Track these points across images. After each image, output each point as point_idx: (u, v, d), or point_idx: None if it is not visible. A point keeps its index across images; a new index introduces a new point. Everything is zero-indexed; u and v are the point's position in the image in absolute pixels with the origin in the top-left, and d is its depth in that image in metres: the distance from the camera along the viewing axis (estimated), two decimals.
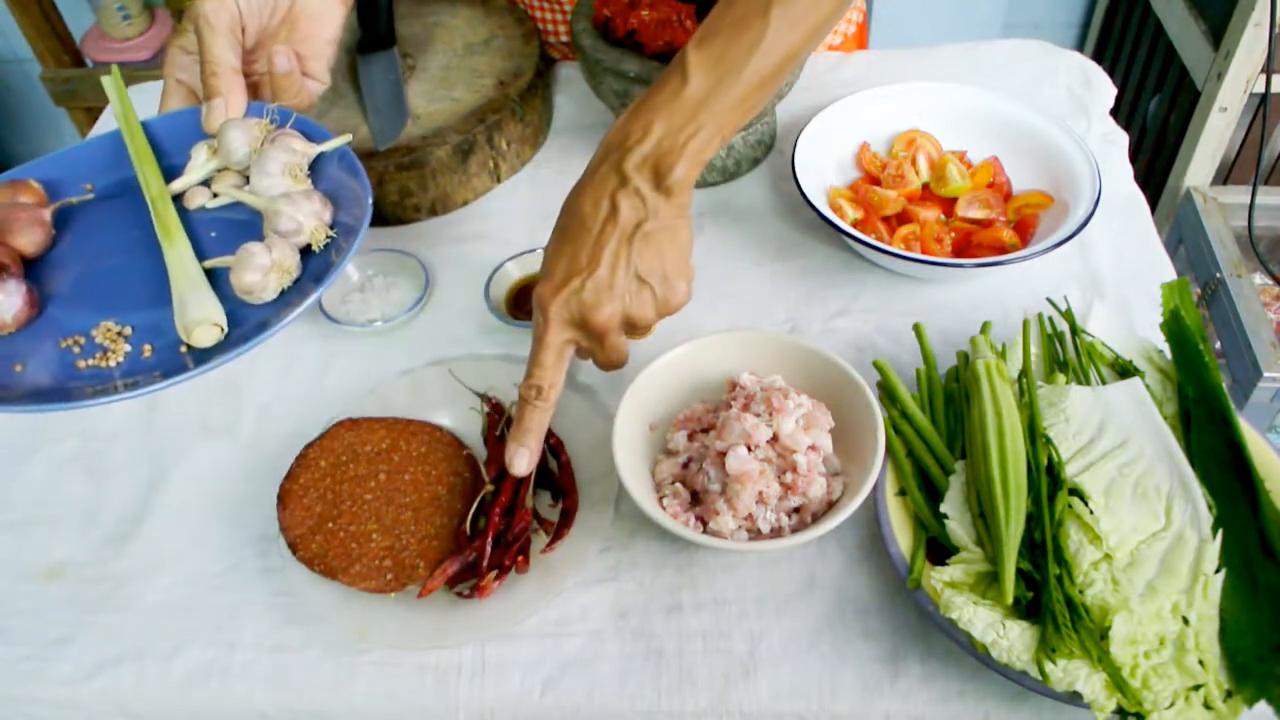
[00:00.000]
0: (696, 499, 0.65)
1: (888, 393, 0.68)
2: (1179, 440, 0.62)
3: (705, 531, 0.63)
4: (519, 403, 0.63)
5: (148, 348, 0.60)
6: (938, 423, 0.67)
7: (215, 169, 0.67)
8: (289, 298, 0.61)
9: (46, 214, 0.64)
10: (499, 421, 0.71)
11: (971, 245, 0.83)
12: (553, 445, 0.70)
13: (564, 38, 1.07)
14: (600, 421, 0.71)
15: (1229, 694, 0.52)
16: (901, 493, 0.63)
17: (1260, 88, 1.58)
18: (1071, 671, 0.52)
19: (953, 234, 0.84)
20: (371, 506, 0.66)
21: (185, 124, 0.69)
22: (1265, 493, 0.58)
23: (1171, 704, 0.51)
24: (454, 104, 0.91)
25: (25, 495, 0.74)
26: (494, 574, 0.62)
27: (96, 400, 0.56)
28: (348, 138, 0.67)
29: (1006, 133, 0.89)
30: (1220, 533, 0.57)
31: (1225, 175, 1.76)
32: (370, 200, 0.63)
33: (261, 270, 0.59)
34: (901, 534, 0.61)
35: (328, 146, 0.66)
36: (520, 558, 0.64)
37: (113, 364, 0.59)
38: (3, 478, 0.75)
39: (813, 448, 0.64)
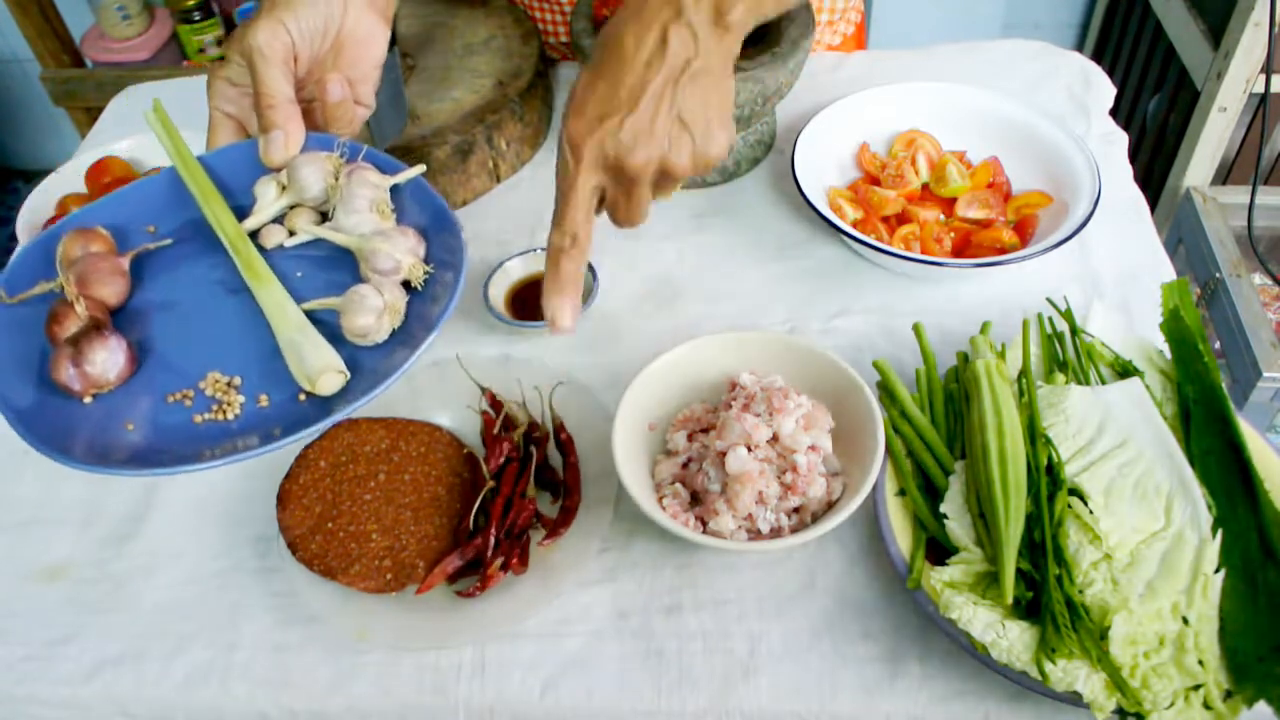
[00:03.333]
0: (696, 499, 0.65)
1: (888, 393, 0.68)
2: (1179, 440, 0.62)
3: (705, 531, 0.63)
4: (551, 254, 0.59)
5: (264, 398, 0.56)
6: (938, 423, 0.67)
7: (286, 206, 0.64)
8: (398, 338, 0.58)
9: (125, 262, 0.60)
10: (495, 421, 0.71)
11: (971, 245, 0.83)
12: (562, 442, 0.70)
13: (564, 38, 1.07)
14: (600, 421, 0.71)
15: (1229, 694, 0.52)
16: (901, 493, 0.63)
17: (1260, 88, 1.58)
18: (1071, 671, 0.52)
19: (953, 234, 0.84)
20: (371, 506, 0.66)
21: (242, 159, 0.65)
22: (1265, 493, 0.58)
23: (1171, 704, 0.51)
24: (454, 104, 0.91)
25: (25, 495, 0.73)
26: (499, 564, 0.62)
27: (224, 460, 0.51)
28: (421, 168, 0.65)
29: (1006, 133, 0.89)
30: (1220, 533, 0.57)
31: (1225, 175, 1.76)
32: (462, 232, 0.61)
33: (375, 312, 0.56)
34: (901, 534, 0.61)
35: (403, 178, 0.64)
36: (517, 560, 0.64)
37: (230, 417, 0.55)
38: (3, 478, 0.75)
39: (813, 448, 0.64)
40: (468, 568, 0.64)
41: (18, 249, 0.61)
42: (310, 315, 0.59)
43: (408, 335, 0.58)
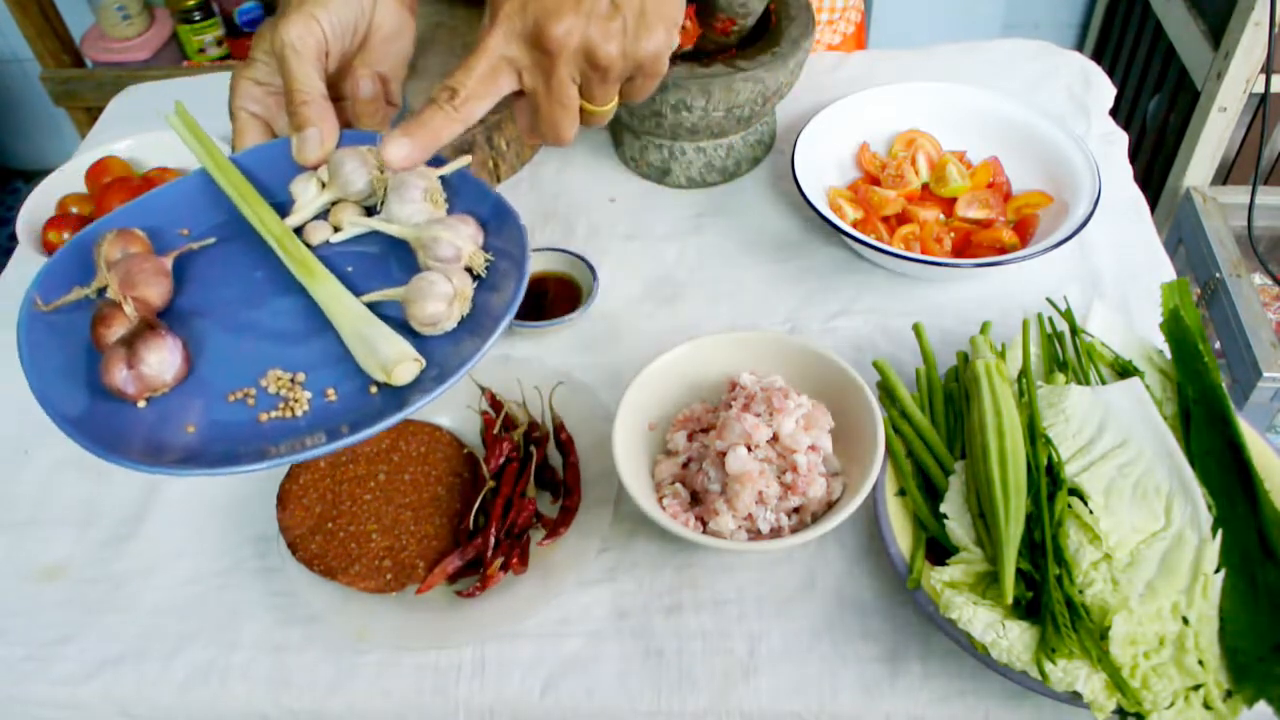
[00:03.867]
0: (696, 499, 0.65)
1: (888, 393, 0.68)
2: (1179, 440, 0.62)
3: (705, 531, 0.63)
4: (426, 102, 0.56)
5: (331, 393, 0.54)
6: (938, 423, 0.67)
7: (329, 202, 0.63)
8: (465, 326, 0.57)
9: (168, 263, 0.59)
10: (495, 421, 0.71)
11: (971, 245, 0.83)
12: (562, 442, 0.70)
13: None
14: (600, 421, 0.71)
15: (1229, 694, 0.52)
16: (901, 493, 0.63)
17: (1260, 88, 1.58)
18: (1071, 671, 0.52)
19: (953, 234, 0.84)
20: (371, 506, 0.66)
21: (274, 158, 0.64)
22: (1265, 493, 0.58)
23: (1171, 704, 0.51)
24: None
25: (25, 495, 0.74)
26: (499, 564, 0.62)
27: (291, 457, 0.49)
28: (468, 159, 0.64)
29: (1006, 133, 0.89)
30: (1220, 533, 0.57)
31: (1225, 175, 1.76)
32: (520, 218, 0.59)
33: (445, 299, 0.55)
34: (901, 534, 0.61)
35: (450, 169, 0.63)
36: (517, 560, 0.64)
37: (298, 414, 0.53)
38: (3, 478, 0.75)
39: (813, 448, 0.64)
40: (468, 568, 0.64)
41: (53, 255, 0.58)
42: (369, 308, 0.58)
43: (474, 324, 0.56)
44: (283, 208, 0.62)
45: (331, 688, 0.62)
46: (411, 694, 0.61)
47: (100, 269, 0.57)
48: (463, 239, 0.58)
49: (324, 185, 0.63)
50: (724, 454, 0.63)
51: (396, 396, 0.53)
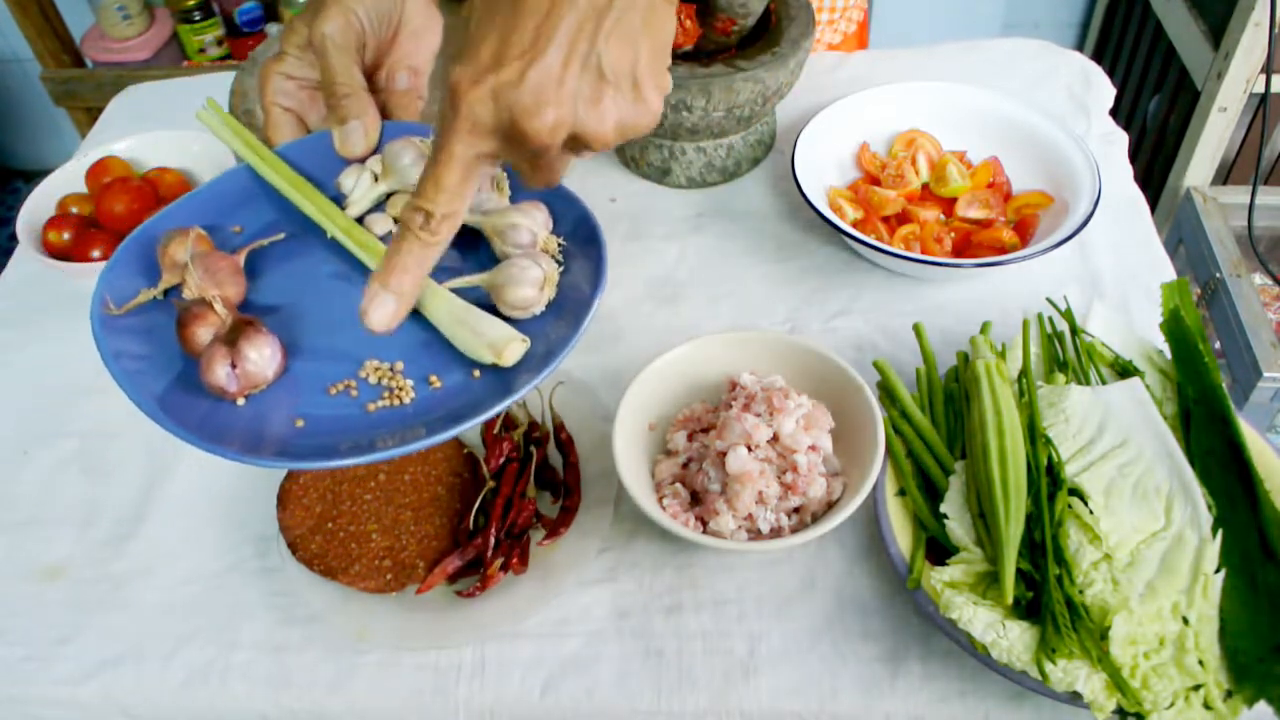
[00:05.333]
0: (696, 499, 0.65)
1: (888, 393, 0.68)
2: (1179, 440, 0.62)
3: (705, 531, 0.63)
4: (399, 229, 0.49)
5: (435, 379, 0.53)
6: (938, 423, 0.67)
7: (383, 193, 0.63)
8: (552, 310, 0.56)
9: (240, 260, 0.58)
10: (495, 421, 0.71)
11: (971, 245, 0.83)
12: (562, 441, 0.70)
13: None
14: (600, 421, 0.71)
15: (1229, 694, 0.52)
16: (901, 493, 0.63)
17: (1260, 88, 1.58)
18: (1071, 671, 0.52)
19: (953, 234, 0.84)
20: (371, 506, 0.66)
21: (315, 152, 0.63)
22: (1265, 493, 0.58)
23: (1171, 704, 0.51)
24: None
25: (25, 495, 0.74)
26: (499, 564, 0.62)
27: (403, 448, 0.49)
28: None
29: (1006, 133, 0.89)
30: (1220, 533, 0.57)
31: (1225, 175, 1.76)
32: (584, 201, 0.59)
33: (536, 284, 0.55)
34: (901, 534, 0.61)
35: None
36: (517, 560, 0.64)
37: (406, 402, 0.53)
38: (3, 478, 0.75)
39: (813, 448, 0.64)
40: (468, 568, 0.64)
41: (111, 256, 0.57)
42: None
43: (559, 307, 0.56)
44: (336, 202, 0.62)
45: (331, 688, 0.62)
46: (411, 694, 0.61)
47: (167, 269, 0.56)
48: (538, 225, 0.58)
49: (376, 177, 0.62)
50: (724, 454, 0.63)
51: (502, 380, 0.53)
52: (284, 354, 0.54)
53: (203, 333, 0.53)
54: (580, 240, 0.58)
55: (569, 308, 0.56)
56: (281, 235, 0.61)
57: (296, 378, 0.54)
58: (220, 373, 0.51)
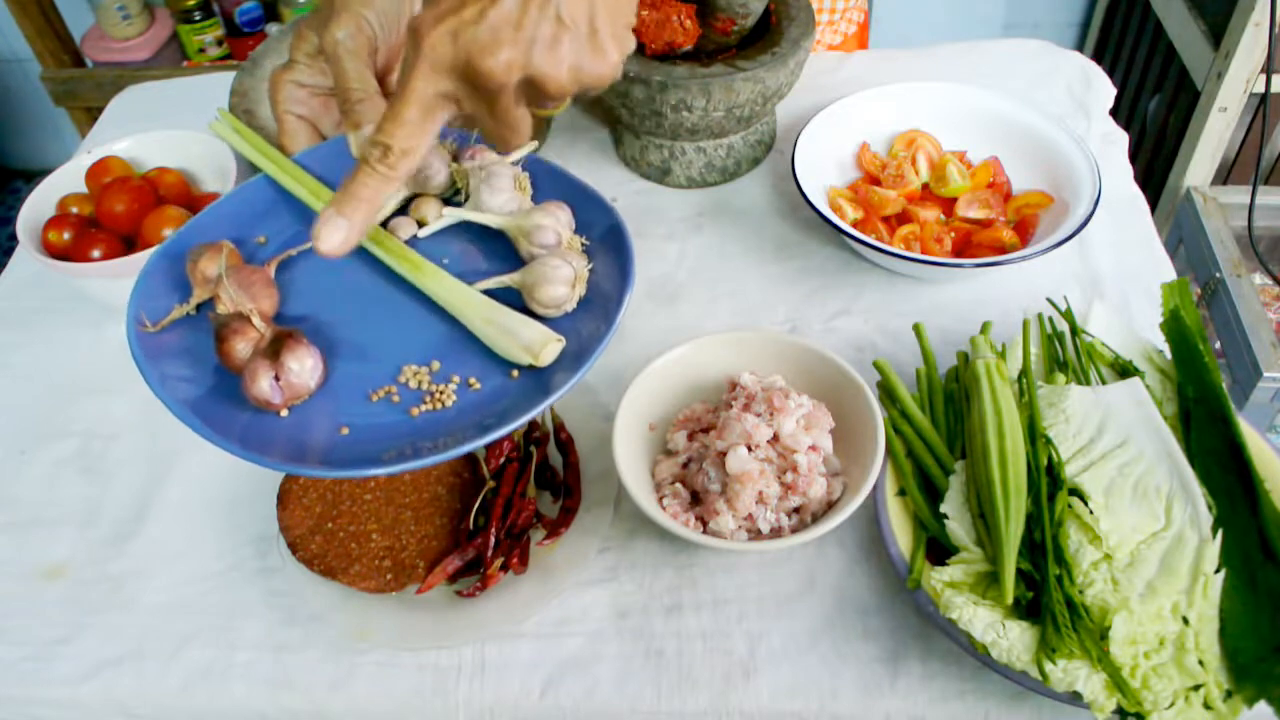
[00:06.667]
0: (696, 499, 0.65)
1: (888, 393, 0.68)
2: (1179, 440, 0.62)
3: (705, 531, 0.63)
4: (358, 163, 0.50)
5: (474, 382, 0.54)
6: (938, 423, 0.67)
7: (406, 197, 0.63)
8: (583, 307, 0.57)
9: (270, 272, 0.58)
10: None
11: (971, 245, 0.83)
12: (562, 441, 0.70)
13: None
14: (600, 421, 0.71)
15: (1229, 694, 0.52)
16: (901, 493, 0.63)
17: (1260, 88, 1.58)
18: (1071, 671, 0.52)
19: (953, 234, 0.84)
20: (371, 506, 0.66)
21: (332, 158, 0.63)
22: (1265, 493, 0.58)
23: (1171, 704, 0.51)
24: None
25: (25, 495, 0.74)
26: (499, 564, 0.62)
27: (448, 452, 0.49)
28: (535, 144, 0.64)
29: (1006, 133, 0.89)
30: (1220, 533, 0.57)
31: (1225, 175, 1.76)
32: (607, 199, 0.59)
33: (567, 282, 0.55)
34: (901, 534, 0.61)
35: (519, 155, 0.63)
36: (517, 560, 0.64)
37: (449, 404, 0.53)
38: (3, 478, 0.75)
39: (813, 448, 0.64)
40: (468, 568, 0.64)
41: (138, 276, 0.57)
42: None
43: (588, 305, 0.57)
44: None
45: (331, 688, 0.62)
46: (411, 694, 0.61)
47: (199, 284, 0.56)
48: (563, 225, 0.58)
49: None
50: (724, 454, 0.63)
51: (539, 380, 0.53)
52: (325, 364, 0.54)
53: (241, 347, 0.53)
54: (604, 237, 0.59)
55: (598, 305, 0.56)
56: (309, 245, 0.61)
57: (336, 386, 0.54)
58: (264, 385, 0.51)
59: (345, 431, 0.52)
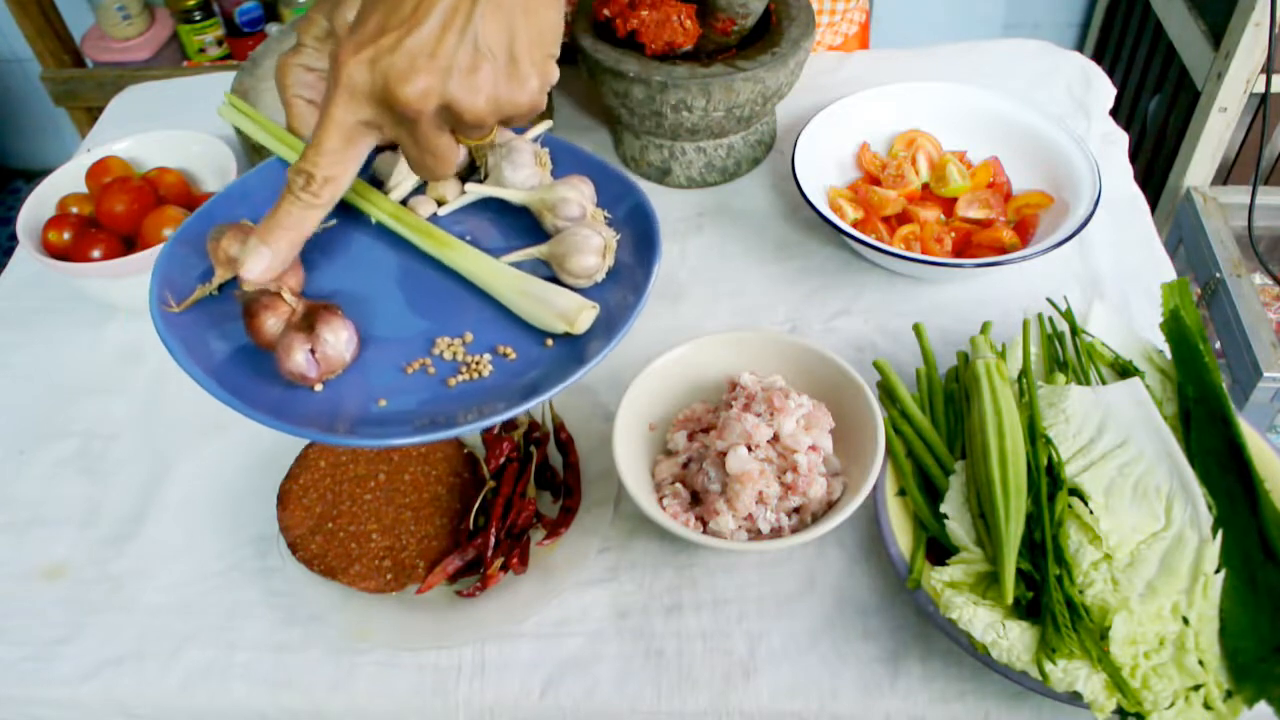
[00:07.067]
0: (696, 499, 0.65)
1: (888, 393, 0.68)
2: (1179, 440, 0.62)
3: (705, 531, 0.63)
4: (284, 190, 0.50)
5: (509, 351, 0.54)
6: (938, 423, 0.67)
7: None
8: (612, 277, 0.57)
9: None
10: None
11: (971, 245, 0.83)
12: (562, 441, 0.70)
13: (564, 38, 1.07)
14: (600, 421, 0.71)
15: (1229, 694, 0.52)
16: (901, 493, 0.63)
17: (1260, 88, 1.58)
18: (1071, 671, 0.52)
19: (953, 234, 0.84)
20: (371, 506, 0.66)
21: None
22: (1265, 493, 0.58)
23: (1171, 704, 0.51)
24: None
25: (25, 495, 0.74)
26: (499, 564, 0.62)
27: (487, 420, 0.49)
28: (549, 123, 0.65)
29: (1006, 133, 0.89)
30: (1220, 533, 0.57)
31: (1225, 175, 1.76)
32: (628, 174, 0.60)
33: (598, 251, 0.56)
34: (901, 534, 0.61)
35: (535, 132, 0.63)
36: (517, 560, 0.64)
37: (485, 374, 0.53)
38: (2, 477, 0.75)
39: (813, 448, 0.64)
40: (468, 568, 0.64)
41: (158, 255, 0.56)
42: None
43: (616, 275, 0.57)
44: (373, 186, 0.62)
45: (331, 688, 0.62)
46: (411, 694, 0.61)
47: (221, 264, 0.55)
48: (586, 198, 0.59)
49: None
50: (724, 454, 0.63)
51: (574, 348, 0.54)
52: (359, 337, 0.54)
53: (272, 322, 0.52)
54: (626, 210, 0.59)
55: (625, 276, 0.57)
56: (333, 222, 0.61)
57: (368, 360, 0.54)
58: (299, 359, 0.51)
59: (383, 403, 0.52)
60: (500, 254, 0.58)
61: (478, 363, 0.54)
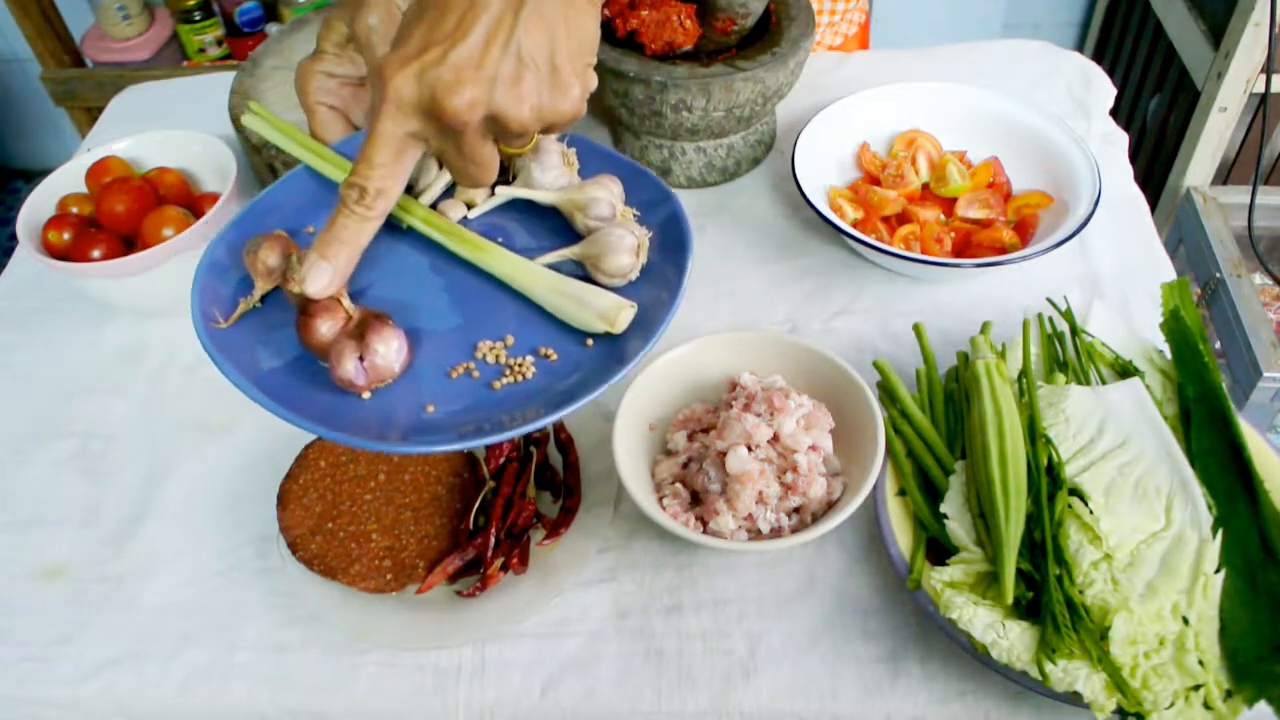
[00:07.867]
0: (696, 499, 0.65)
1: (888, 393, 0.68)
2: (1179, 440, 0.62)
3: (705, 531, 0.63)
4: (338, 205, 0.51)
5: (550, 352, 0.54)
6: (938, 423, 0.67)
7: (451, 179, 0.62)
8: (645, 275, 0.57)
9: None
10: None
11: (971, 245, 0.83)
12: (562, 441, 0.70)
13: None
14: (600, 421, 0.71)
15: (1229, 694, 0.52)
16: (901, 493, 0.63)
17: (1260, 88, 1.58)
18: (1071, 671, 0.52)
19: (953, 234, 0.84)
20: (371, 506, 0.66)
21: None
22: (1265, 493, 0.58)
23: (1171, 704, 0.51)
24: None
25: (25, 495, 0.74)
26: (499, 564, 0.62)
27: (532, 424, 0.49)
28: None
29: (1006, 133, 0.89)
30: (1220, 533, 0.57)
31: (1225, 175, 1.76)
32: (654, 174, 0.59)
33: (631, 250, 0.56)
34: (901, 534, 0.61)
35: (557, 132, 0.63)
36: (517, 560, 0.64)
37: (529, 376, 0.53)
38: (3, 478, 0.75)
39: (813, 448, 0.64)
40: (468, 568, 0.64)
41: (196, 272, 0.56)
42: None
43: (648, 274, 0.57)
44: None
45: (331, 688, 0.62)
46: (411, 694, 0.61)
47: (260, 276, 0.55)
48: (615, 197, 0.59)
49: (440, 164, 0.62)
50: (724, 454, 0.63)
51: (613, 348, 0.54)
52: (409, 347, 0.54)
53: (326, 327, 0.53)
54: (653, 208, 0.59)
55: (657, 274, 0.57)
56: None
57: (416, 366, 0.55)
58: (349, 367, 0.51)
59: (431, 409, 0.52)
60: (532, 255, 0.58)
61: (521, 365, 0.54)
